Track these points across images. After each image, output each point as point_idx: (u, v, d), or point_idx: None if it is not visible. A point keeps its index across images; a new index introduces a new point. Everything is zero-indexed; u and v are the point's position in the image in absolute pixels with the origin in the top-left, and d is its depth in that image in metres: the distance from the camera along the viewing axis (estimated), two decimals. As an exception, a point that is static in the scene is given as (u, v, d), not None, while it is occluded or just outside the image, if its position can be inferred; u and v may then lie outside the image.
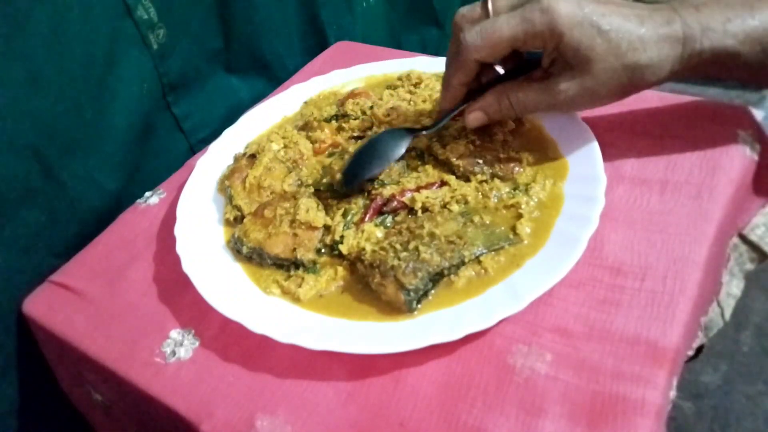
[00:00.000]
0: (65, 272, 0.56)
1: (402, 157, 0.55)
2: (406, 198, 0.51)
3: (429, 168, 0.54)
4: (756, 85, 0.51)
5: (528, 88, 0.48)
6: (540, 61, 0.49)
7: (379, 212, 0.51)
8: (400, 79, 0.67)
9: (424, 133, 0.54)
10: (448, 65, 0.51)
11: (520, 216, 0.48)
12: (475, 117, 0.51)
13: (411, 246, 0.45)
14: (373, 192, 0.52)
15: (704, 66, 0.45)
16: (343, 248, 0.48)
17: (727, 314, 0.54)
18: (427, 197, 0.50)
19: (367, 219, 0.50)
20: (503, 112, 0.50)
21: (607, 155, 0.50)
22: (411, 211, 0.51)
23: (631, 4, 0.45)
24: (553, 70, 0.47)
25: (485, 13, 0.47)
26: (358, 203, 0.52)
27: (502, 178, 0.52)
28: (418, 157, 0.57)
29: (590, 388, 0.38)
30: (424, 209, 0.50)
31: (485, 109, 0.51)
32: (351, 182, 0.52)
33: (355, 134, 0.61)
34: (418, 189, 0.51)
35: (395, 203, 0.51)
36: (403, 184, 0.52)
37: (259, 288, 0.49)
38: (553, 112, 0.53)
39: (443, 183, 0.52)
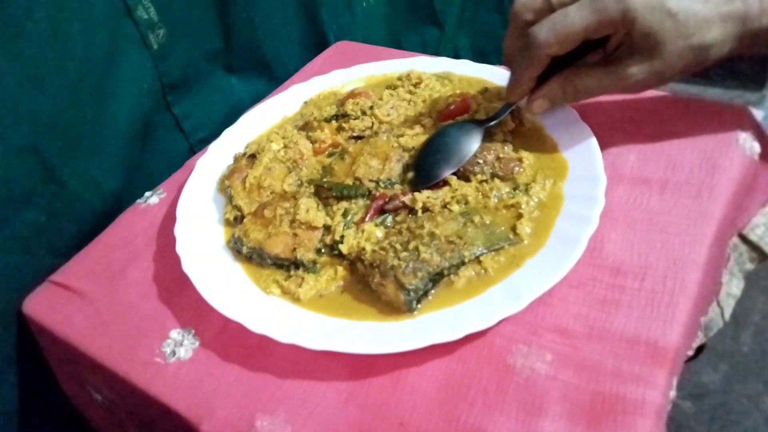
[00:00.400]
0: (65, 272, 0.56)
1: (402, 158, 0.55)
2: (407, 198, 0.51)
3: None
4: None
5: (594, 73, 0.48)
6: (596, 44, 0.48)
7: (380, 212, 0.51)
8: (400, 79, 0.67)
9: (492, 124, 0.54)
10: (512, 60, 0.51)
11: (520, 216, 0.48)
12: (539, 104, 0.51)
13: (411, 246, 0.45)
14: (374, 192, 0.52)
15: (759, 44, 0.46)
16: (344, 248, 0.48)
17: (727, 314, 0.54)
18: (428, 197, 0.50)
19: (367, 219, 0.50)
20: (568, 98, 0.50)
21: (607, 155, 0.51)
22: (411, 211, 0.51)
23: None
24: (619, 53, 0.47)
25: (546, 2, 0.47)
26: (359, 203, 0.52)
27: (502, 178, 0.52)
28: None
29: (590, 388, 0.38)
30: (425, 209, 0.50)
31: (549, 96, 0.50)
32: (427, 179, 0.52)
33: (355, 134, 0.61)
34: (419, 189, 0.51)
35: (397, 203, 0.51)
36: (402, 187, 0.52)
37: (259, 288, 0.49)
38: (618, 94, 0.53)
39: (444, 183, 0.52)
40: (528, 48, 0.47)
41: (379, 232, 0.49)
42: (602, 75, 0.48)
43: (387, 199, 0.51)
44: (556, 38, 0.45)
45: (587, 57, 0.49)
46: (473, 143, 0.53)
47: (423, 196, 0.50)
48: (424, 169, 0.53)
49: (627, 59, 0.46)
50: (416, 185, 0.53)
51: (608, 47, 0.48)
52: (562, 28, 0.45)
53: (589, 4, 0.44)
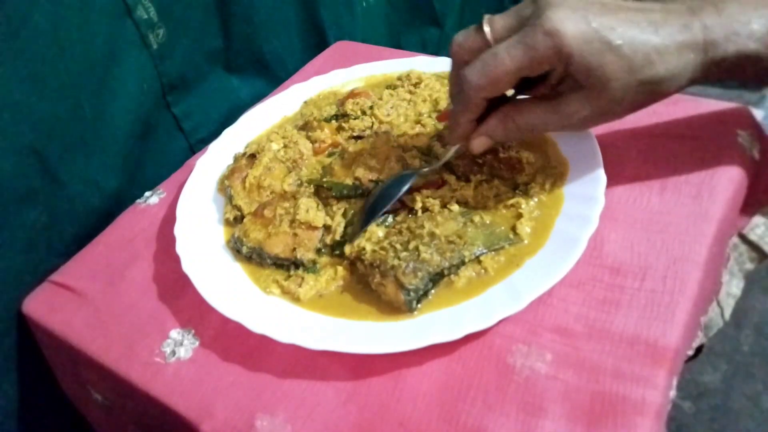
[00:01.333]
0: (65, 272, 0.56)
1: (401, 158, 0.55)
2: (408, 198, 0.51)
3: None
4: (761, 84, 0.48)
5: (535, 110, 0.44)
6: (542, 77, 0.44)
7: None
8: (399, 78, 0.67)
9: (425, 170, 0.51)
10: (453, 101, 0.48)
11: (520, 216, 0.48)
12: (480, 143, 0.47)
13: (411, 246, 0.45)
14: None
15: (725, 71, 0.42)
16: (346, 249, 0.48)
17: (727, 314, 0.54)
18: (428, 197, 0.50)
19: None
20: (509, 135, 0.47)
21: (607, 155, 0.50)
22: (411, 210, 0.51)
23: (643, 6, 0.41)
24: (562, 88, 0.44)
25: (483, 41, 0.43)
26: (358, 203, 0.52)
27: (502, 178, 0.52)
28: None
29: (590, 388, 0.38)
30: (425, 209, 0.50)
31: (490, 134, 0.47)
32: (354, 234, 0.49)
33: (355, 134, 0.61)
34: (419, 188, 0.51)
35: (398, 203, 0.51)
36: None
37: (259, 288, 0.49)
38: (563, 132, 0.50)
39: (443, 183, 0.52)
40: (461, 90, 0.43)
41: (380, 232, 0.49)
42: (544, 111, 0.44)
43: None
44: (487, 80, 0.41)
45: (535, 90, 0.46)
46: (402, 188, 0.50)
47: (423, 196, 0.50)
48: (353, 225, 0.51)
49: (570, 95, 0.43)
50: (348, 240, 0.49)
51: (550, 81, 0.44)
52: (493, 69, 0.41)
53: (518, 42, 0.40)
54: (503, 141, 0.49)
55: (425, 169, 0.51)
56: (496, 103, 0.45)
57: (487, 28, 0.43)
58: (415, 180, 0.51)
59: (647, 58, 0.40)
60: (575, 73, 0.41)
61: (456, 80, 0.46)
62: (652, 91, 0.42)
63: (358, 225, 0.50)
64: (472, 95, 0.43)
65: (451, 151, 0.50)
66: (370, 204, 0.50)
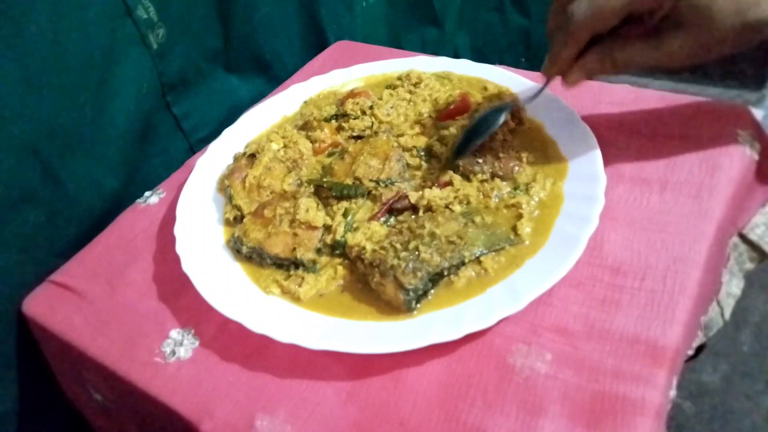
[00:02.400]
0: (65, 272, 0.56)
1: (401, 158, 0.55)
2: (416, 196, 0.51)
3: (437, 166, 0.54)
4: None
5: (635, 46, 0.45)
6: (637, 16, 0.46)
7: (388, 211, 0.51)
8: (399, 78, 0.67)
9: (520, 103, 0.55)
10: (554, 38, 0.48)
11: (520, 216, 0.48)
12: (576, 77, 0.49)
13: (411, 246, 0.45)
14: (374, 192, 0.52)
15: None
16: (349, 238, 0.48)
17: (727, 314, 0.54)
18: (435, 196, 0.50)
19: (380, 215, 0.51)
20: (606, 70, 0.48)
21: (607, 155, 0.50)
22: (415, 209, 0.51)
23: None
24: (663, 26, 0.44)
25: None
26: (358, 203, 0.52)
27: (502, 178, 0.52)
28: (418, 156, 0.57)
29: (590, 388, 0.38)
30: (428, 208, 0.50)
31: (586, 68, 0.48)
32: (460, 153, 0.53)
33: (355, 134, 0.61)
34: (429, 186, 0.52)
35: (405, 202, 0.51)
36: (402, 186, 0.52)
37: (259, 288, 0.49)
38: (657, 69, 0.51)
39: (447, 182, 0.52)
40: (567, 25, 0.45)
41: (383, 232, 0.49)
42: (643, 47, 0.45)
43: (396, 198, 0.51)
44: (594, 15, 0.43)
45: (630, 29, 0.46)
46: (500, 119, 0.53)
47: (431, 194, 0.50)
48: (460, 146, 0.54)
49: (672, 32, 0.43)
50: (453, 160, 0.54)
51: (651, 20, 0.45)
52: (602, 5, 0.42)
53: None
54: (599, 75, 0.49)
55: (520, 102, 0.55)
56: (591, 42, 0.47)
57: None
58: (507, 113, 0.54)
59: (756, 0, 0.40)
60: (684, 10, 0.42)
61: (556, 16, 0.47)
62: (754, 33, 0.42)
63: (454, 146, 0.54)
64: (576, 30, 0.44)
65: (546, 84, 0.52)
66: (473, 125, 0.54)
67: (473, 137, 0.53)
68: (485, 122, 0.54)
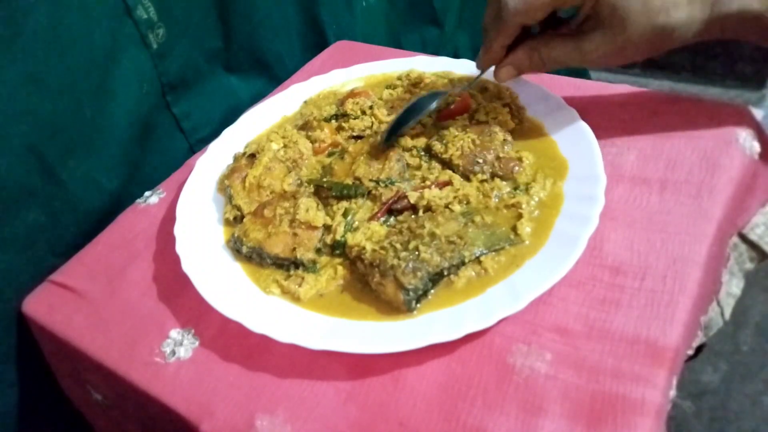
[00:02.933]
0: (65, 272, 0.56)
1: (401, 158, 0.55)
2: (416, 196, 0.50)
3: (437, 166, 0.54)
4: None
5: (559, 44, 0.49)
6: (563, 17, 0.50)
7: (388, 211, 0.51)
8: (399, 78, 0.67)
9: (456, 90, 0.57)
10: (487, 29, 0.52)
11: (520, 216, 0.48)
12: (506, 71, 0.52)
13: (411, 245, 0.45)
14: (374, 192, 0.52)
15: (727, 29, 0.46)
16: (349, 238, 0.48)
17: (727, 313, 0.54)
18: (434, 196, 0.50)
19: (379, 215, 0.51)
20: (533, 67, 0.51)
21: (607, 155, 0.50)
22: (414, 209, 0.51)
23: None
24: (585, 27, 0.48)
25: None
26: (358, 203, 0.52)
27: (502, 177, 0.52)
28: (418, 156, 0.57)
29: (590, 388, 0.38)
30: (427, 208, 0.50)
31: (516, 64, 0.52)
32: (389, 138, 0.56)
33: (355, 134, 0.61)
34: (429, 186, 0.52)
35: (405, 202, 0.51)
36: (402, 186, 0.52)
37: (259, 287, 0.49)
38: (580, 67, 0.53)
39: (446, 182, 0.52)
40: (499, 16, 0.48)
41: (383, 232, 0.49)
42: (568, 47, 0.49)
43: (396, 198, 0.51)
44: (524, 6, 0.46)
45: (559, 29, 0.51)
46: (431, 105, 0.56)
47: (431, 194, 0.50)
48: (389, 132, 0.56)
49: (591, 33, 0.47)
50: (383, 143, 0.56)
51: (577, 19, 0.49)
52: None
53: None
54: (527, 72, 0.53)
55: (455, 90, 0.57)
56: (521, 40, 0.51)
57: None
58: (441, 101, 0.57)
59: (664, 5, 0.44)
60: (601, 10, 0.46)
61: (492, 7, 0.50)
62: (663, 37, 0.45)
63: (385, 132, 0.56)
64: (509, 20, 0.48)
65: (480, 75, 0.55)
66: (401, 113, 0.57)
67: (403, 121, 0.56)
68: (418, 107, 0.56)
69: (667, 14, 0.44)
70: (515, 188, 0.51)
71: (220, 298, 0.46)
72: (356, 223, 0.50)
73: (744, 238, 0.55)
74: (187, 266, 0.49)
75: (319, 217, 0.50)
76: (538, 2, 0.46)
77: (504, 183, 0.52)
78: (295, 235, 0.50)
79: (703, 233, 0.46)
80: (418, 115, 0.56)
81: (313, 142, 0.61)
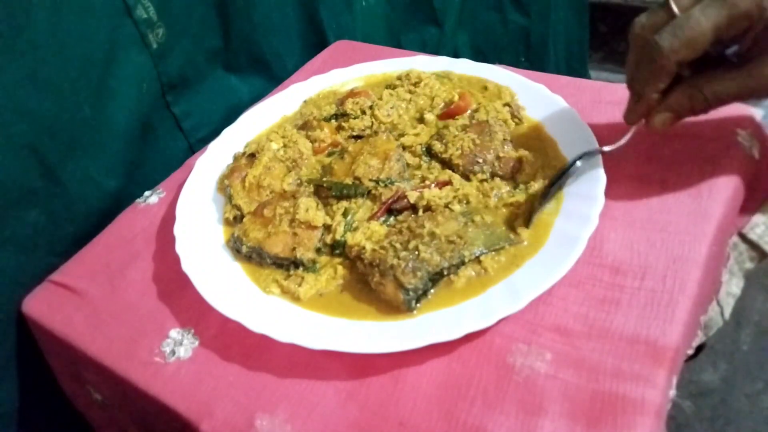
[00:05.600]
0: (65, 272, 0.56)
1: (401, 157, 0.55)
2: (415, 196, 0.50)
3: (437, 165, 0.54)
4: None
5: (725, 78, 0.43)
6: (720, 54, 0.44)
7: (388, 211, 0.51)
8: (399, 78, 0.67)
9: (613, 148, 0.49)
10: (635, 79, 0.46)
11: (518, 216, 0.48)
12: (663, 118, 0.46)
13: (411, 245, 0.45)
14: (374, 191, 0.52)
15: None
16: (349, 238, 0.48)
17: (727, 313, 0.54)
18: (434, 196, 0.50)
19: (379, 214, 0.51)
20: (696, 108, 0.45)
21: (607, 155, 0.50)
22: (414, 209, 0.51)
23: None
24: (753, 52, 0.42)
25: (669, 14, 0.42)
26: (358, 202, 0.52)
27: (502, 177, 0.52)
28: (418, 156, 0.57)
29: (590, 387, 0.38)
30: (427, 208, 0.50)
31: (674, 108, 0.45)
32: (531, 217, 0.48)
33: (355, 133, 0.61)
34: (428, 186, 0.52)
35: (405, 202, 0.51)
36: (402, 186, 0.52)
37: (259, 287, 0.49)
38: (752, 98, 0.46)
39: (446, 182, 0.52)
40: (650, 60, 0.42)
41: (383, 231, 0.49)
42: (735, 77, 0.42)
43: (395, 198, 0.51)
44: (680, 42, 0.40)
45: (717, 65, 0.44)
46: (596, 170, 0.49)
47: (431, 194, 0.50)
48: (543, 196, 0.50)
49: (765, 56, 0.41)
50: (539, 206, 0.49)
51: (741, 48, 0.43)
52: (688, 30, 0.40)
53: (715, 1, 0.39)
54: (689, 115, 0.46)
55: (608, 148, 0.49)
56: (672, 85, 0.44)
57: (673, 4, 0.42)
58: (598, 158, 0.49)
59: None
60: None
61: (637, 51, 0.45)
62: None
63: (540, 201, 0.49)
64: (665, 61, 0.41)
65: (632, 131, 0.48)
66: (555, 177, 0.50)
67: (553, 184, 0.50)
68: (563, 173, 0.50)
69: None
70: (515, 187, 0.51)
71: (220, 298, 0.46)
72: (356, 222, 0.50)
73: (744, 238, 0.55)
74: (187, 266, 0.49)
75: (319, 217, 0.50)
76: (696, 34, 0.40)
77: (504, 182, 0.52)
78: (294, 234, 0.49)
79: (703, 233, 0.45)
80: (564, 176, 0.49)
81: (312, 141, 0.61)
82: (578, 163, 0.49)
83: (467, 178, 0.53)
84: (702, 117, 0.53)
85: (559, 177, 0.49)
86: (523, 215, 0.49)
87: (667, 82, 0.44)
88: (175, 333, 0.48)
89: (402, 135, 0.59)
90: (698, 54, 0.41)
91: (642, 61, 0.44)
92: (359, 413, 0.41)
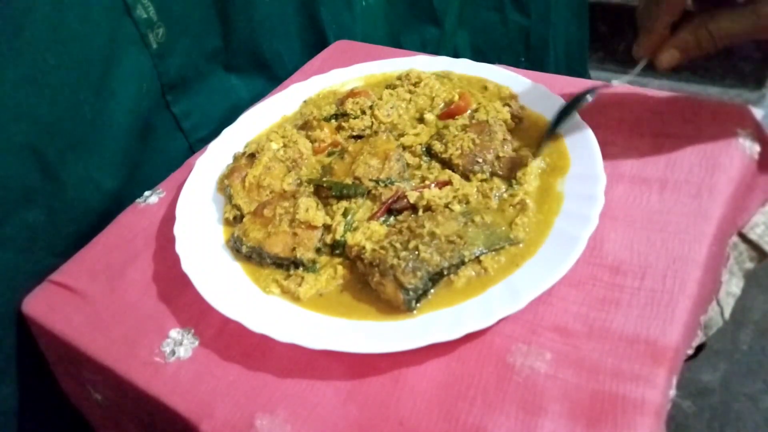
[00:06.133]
0: (65, 272, 0.56)
1: (401, 157, 0.55)
2: (415, 196, 0.50)
3: (437, 165, 0.54)
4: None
5: (731, 15, 0.44)
6: None
7: (387, 211, 0.51)
8: (399, 78, 0.67)
9: (617, 82, 0.53)
10: (645, 13, 0.47)
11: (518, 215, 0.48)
12: (670, 56, 0.47)
13: (411, 245, 0.45)
14: (374, 191, 0.52)
15: None
16: (349, 238, 0.48)
17: (727, 313, 0.54)
18: (434, 196, 0.50)
19: (379, 214, 0.51)
20: (702, 46, 0.46)
21: (607, 154, 0.50)
22: (414, 209, 0.51)
23: None
24: None
25: None
26: (358, 202, 0.52)
27: (502, 177, 0.52)
28: (418, 156, 0.57)
29: (590, 387, 0.38)
30: (427, 208, 0.50)
31: (681, 46, 0.46)
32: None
33: (355, 133, 0.61)
34: (428, 185, 0.52)
35: (404, 203, 0.51)
36: (402, 186, 0.52)
37: (259, 287, 0.49)
38: (757, 37, 0.47)
39: (446, 182, 0.52)
40: None
41: (383, 231, 0.49)
42: (740, 16, 0.43)
43: (395, 198, 0.51)
44: None
45: (714, 5, 0.45)
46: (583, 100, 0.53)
47: (431, 194, 0.50)
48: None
49: None
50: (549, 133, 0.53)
51: None
52: None
53: None
54: (695, 54, 0.47)
55: (617, 81, 0.51)
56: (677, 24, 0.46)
57: None
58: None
59: None
60: None
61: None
62: None
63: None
64: None
65: (642, 63, 0.49)
66: (555, 116, 0.54)
67: (556, 123, 0.53)
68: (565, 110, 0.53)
69: None
70: (511, 185, 0.51)
71: (220, 298, 0.46)
72: (356, 222, 0.50)
73: (744, 238, 0.55)
74: (187, 266, 0.49)
75: (319, 217, 0.50)
76: None
77: (503, 182, 0.52)
78: (294, 234, 0.49)
79: (703, 233, 0.45)
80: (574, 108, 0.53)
81: (312, 141, 0.61)
82: (588, 96, 0.50)
83: (467, 178, 0.53)
84: (702, 117, 0.53)
85: (568, 107, 0.51)
86: (534, 145, 0.51)
87: (676, 16, 0.45)
88: (175, 333, 0.48)
89: (402, 135, 0.59)
90: None
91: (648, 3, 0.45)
92: (359, 413, 0.41)
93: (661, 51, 0.47)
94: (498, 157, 0.53)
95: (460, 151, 0.54)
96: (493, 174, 0.52)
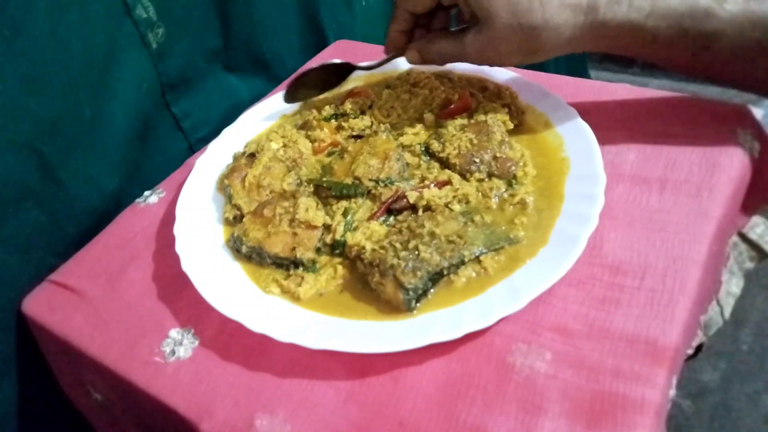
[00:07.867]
0: (64, 272, 0.56)
1: (401, 157, 0.55)
2: (415, 196, 0.50)
3: (436, 165, 0.54)
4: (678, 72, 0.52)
5: (443, 39, 0.54)
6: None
7: (387, 210, 0.51)
8: (399, 78, 0.67)
9: (362, 67, 0.64)
10: (391, 18, 0.57)
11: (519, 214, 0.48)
12: (411, 54, 0.57)
13: (411, 245, 0.45)
14: (374, 191, 0.52)
15: (608, 38, 0.47)
16: (349, 237, 0.48)
17: (727, 313, 0.54)
18: (433, 195, 0.50)
19: (378, 214, 0.50)
20: (428, 59, 0.56)
21: (607, 154, 0.50)
22: (414, 209, 0.51)
23: None
24: (468, 23, 0.52)
25: None
26: (358, 202, 0.52)
27: (499, 177, 0.52)
28: (417, 155, 0.57)
29: (590, 387, 0.38)
30: (427, 208, 0.50)
31: (416, 53, 0.57)
32: (290, 99, 0.65)
33: (355, 133, 0.61)
34: (428, 185, 0.52)
35: (404, 202, 0.51)
36: (402, 186, 0.52)
37: (259, 287, 0.49)
38: (469, 63, 0.55)
39: (445, 182, 0.52)
40: (394, 4, 0.54)
41: (383, 231, 0.49)
42: (449, 42, 0.53)
43: (395, 198, 0.51)
44: None
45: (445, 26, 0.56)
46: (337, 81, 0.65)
47: (431, 194, 0.50)
48: (290, 91, 0.65)
49: (469, 29, 0.50)
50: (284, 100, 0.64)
51: (461, 17, 0.53)
52: None
53: None
54: (427, 61, 0.57)
55: (362, 66, 0.64)
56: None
57: None
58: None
59: (531, 5, 0.45)
60: (473, 6, 0.48)
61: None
62: (531, 38, 0.47)
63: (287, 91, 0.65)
64: (398, 8, 0.55)
65: (387, 59, 0.62)
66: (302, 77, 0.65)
67: (309, 83, 0.64)
68: (324, 73, 0.64)
69: (532, 14, 0.45)
70: (510, 185, 0.51)
71: (220, 298, 0.46)
72: (356, 222, 0.50)
73: (744, 238, 0.55)
74: (187, 266, 0.49)
75: (319, 217, 0.50)
76: None
77: (502, 182, 0.52)
78: (294, 234, 0.49)
79: (703, 232, 0.46)
80: (324, 89, 0.65)
81: (312, 141, 0.61)
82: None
83: (465, 178, 0.53)
84: (702, 117, 0.53)
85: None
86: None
87: (404, 25, 0.56)
88: (175, 333, 0.48)
89: (401, 135, 0.59)
90: (424, 9, 0.54)
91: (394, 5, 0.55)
92: (359, 413, 0.41)
93: (408, 49, 0.57)
94: (495, 158, 0.53)
95: (457, 151, 0.54)
96: (490, 174, 0.52)
